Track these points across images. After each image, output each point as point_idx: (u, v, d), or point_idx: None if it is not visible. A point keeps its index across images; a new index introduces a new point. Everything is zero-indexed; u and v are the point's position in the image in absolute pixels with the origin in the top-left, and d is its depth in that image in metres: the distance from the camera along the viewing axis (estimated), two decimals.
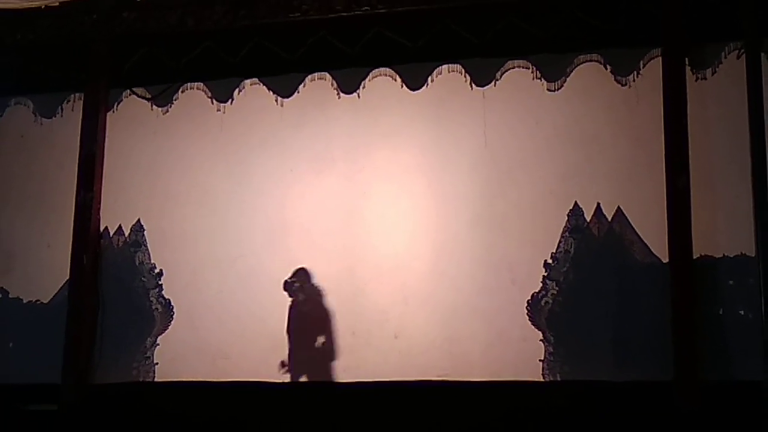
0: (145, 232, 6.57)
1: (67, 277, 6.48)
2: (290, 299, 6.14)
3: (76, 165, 6.57)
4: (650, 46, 5.95)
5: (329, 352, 5.97)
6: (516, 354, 5.82)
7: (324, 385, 6.02)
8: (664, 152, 5.67)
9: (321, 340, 6.01)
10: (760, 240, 5.19)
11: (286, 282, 6.14)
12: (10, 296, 6.76)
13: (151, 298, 6.47)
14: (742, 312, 5.56)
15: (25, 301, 6.72)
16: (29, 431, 6.35)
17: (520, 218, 5.99)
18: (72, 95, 6.89)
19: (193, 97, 6.69)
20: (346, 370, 6.04)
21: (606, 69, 6.05)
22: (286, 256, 6.30)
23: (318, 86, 6.48)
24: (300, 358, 6.07)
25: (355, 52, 6.31)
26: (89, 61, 6.64)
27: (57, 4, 6.53)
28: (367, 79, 6.40)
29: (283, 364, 6.09)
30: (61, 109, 6.94)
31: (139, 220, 6.60)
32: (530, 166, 6.04)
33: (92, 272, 6.47)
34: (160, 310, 6.44)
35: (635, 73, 5.99)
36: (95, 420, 6.25)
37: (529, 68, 6.16)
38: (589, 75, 6.07)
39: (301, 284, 6.07)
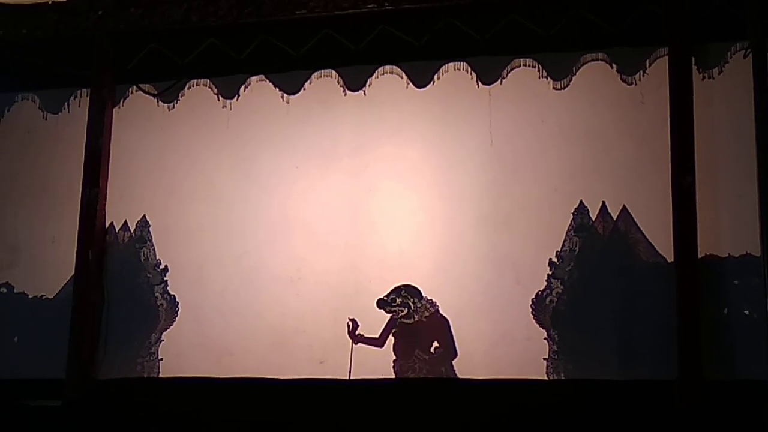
0: (150, 228, 6.58)
1: (72, 273, 6.49)
2: (389, 315, 6.10)
3: (82, 160, 6.57)
4: (656, 46, 5.95)
5: (447, 352, 5.97)
6: (520, 352, 5.82)
7: (329, 383, 6.03)
8: (669, 152, 5.68)
9: (435, 345, 6.01)
10: (765, 240, 5.19)
11: (381, 300, 6.11)
12: (15, 291, 6.75)
13: (156, 294, 6.47)
14: (746, 312, 5.57)
15: (30, 296, 6.72)
16: (33, 426, 6.35)
17: (525, 217, 5.99)
18: (78, 91, 6.89)
19: (199, 93, 6.69)
20: (350, 368, 6.06)
21: (612, 68, 6.05)
22: (291, 253, 6.30)
23: (324, 83, 6.48)
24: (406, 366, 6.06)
25: (361, 49, 6.32)
26: (95, 56, 6.65)
27: None
28: (373, 77, 6.40)
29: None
30: (68, 104, 6.93)
31: (144, 216, 6.60)
32: (536, 164, 6.04)
33: (97, 268, 6.48)
34: (165, 306, 6.44)
35: (641, 72, 5.99)
36: (99, 415, 6.25)
37: (535, 67, 6.15)
38: (595, 74, 6.07)
39: (402, 301, 6.07)
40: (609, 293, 5.78)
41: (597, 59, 6.09)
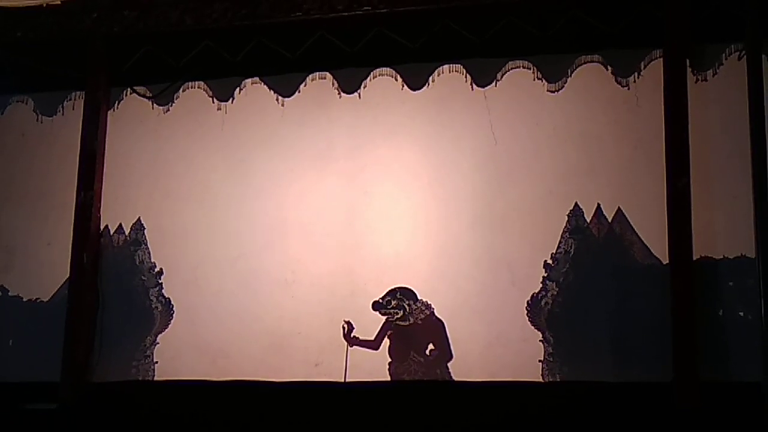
0: (145, 231, 6.57)
1: (67, 276, 6.47)
2: (384, 317, 6.10)
3: (77, 163, 6.56)
4: (651, 47, 5.95)
5: (442, 355, 5.96)
6: (515, 354, 5.82)
7: (329, 385, 6.02)
8: (664, 153, 5.68)
9: (431, 347, 6.01)
10: (760, 241, 5.20)
11: (377, 302, 6.11)
12: (9, 294, 6.74)
13: (151, 297, 6.47)
14: (741, 313, 5.57)
15: (24, 300, 6.71)
16: (28, 430, 6.34)
17: (520, 218, 6.00)
18: (73, 94, 6.88)
19: (194, 95, 6.68)
20: (345, 370, 6.06)
21: (607, 70, 6.05)
22: (286, 255, 6.30)
23: (319, 86, 6.48)
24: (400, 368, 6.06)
25: (356, 51, 6.31)
26: (90, 59, 6.63)
27: (59, 2, 6.53)
28: (368, 79, 6.40)
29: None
30: (62, 107, 6.93)
31: (139, 219, 6.59)
32: (531, 166, 6.04)
33: (92, 271, 6.47)
34: (159, 308, 6.43)
35: (636, 74, 5.99)
36: (94, 419, 6.25)
37: (530, 69, 6.16)
38: (589, 76, 6.07)
39: (398, 303, 6.06)
40: (604, 295, 5.79)
41: (592, 61, 6.10)
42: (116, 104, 6.77)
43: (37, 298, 6.69)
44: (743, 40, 5.54)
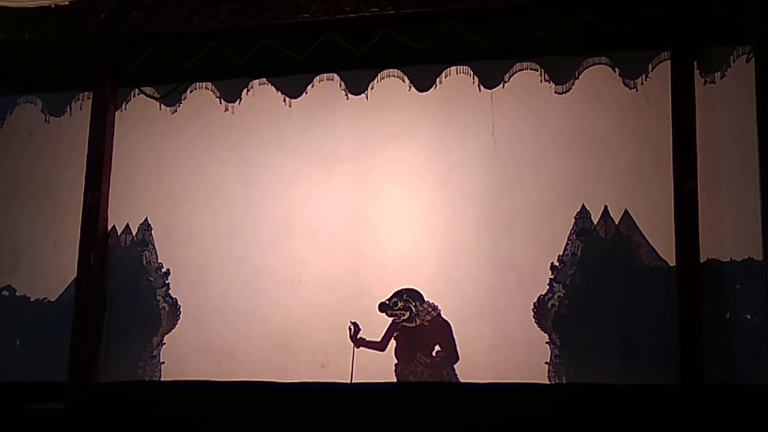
0: (152, 231, 6.59)
1: (74, 276, 6.50)
2: (390, 318, 6.10)
3: (84, 164, 6.57)
4: (659, 49, 5.95)
5: (449, 356, 5.97)
6: (522, 356, 5.82)
7: (336, 386, 6.02)
8: (671, 155, 5.67)
9: (437, 349, 6.01)
10: (767, 244, 5.19)
11: (383, 303, 6.11)
12: (17, 294, 6.77)
13: (158, 297, 6.48)
14: (748, 316, 5.57)
15: (32, 299, 6.73)
16: (35, 429, 6.35)
17: (527, 220, 6.00)
18: (81, 94, 6.90)
19: (202, 97, 6.70)
20: (351, 371, 6.06)
21: (614, 72, 6.05)
22: (292, 256, 6.31)
23: (326, 87, 6.49)
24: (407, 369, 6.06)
25: (363, 53, 6.32)
26: (97, 60, 6.64)
27: (66, 3, 6.54)
28: (375, 81, 6.41)
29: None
30: (70, 108, 6.95)
31: (146, 219, 6.61)
32: (537, 168, 6.04)
33: (99, 271, 6.48)
34: (166, 309, 6.45)
35: (644, 76, 5.99)
36: (101, 419, 6.25)
37: (537, 70, 6.16)
38: (597, 77, 6.07)
39: (404, 304, 6.07)
40: (611, 297, 5.78)
41: (599, 63, 6.10)
42: (124, 105, 6.79)
43: (44, 298, 6.70)
44: (750, 43, 5.53)
